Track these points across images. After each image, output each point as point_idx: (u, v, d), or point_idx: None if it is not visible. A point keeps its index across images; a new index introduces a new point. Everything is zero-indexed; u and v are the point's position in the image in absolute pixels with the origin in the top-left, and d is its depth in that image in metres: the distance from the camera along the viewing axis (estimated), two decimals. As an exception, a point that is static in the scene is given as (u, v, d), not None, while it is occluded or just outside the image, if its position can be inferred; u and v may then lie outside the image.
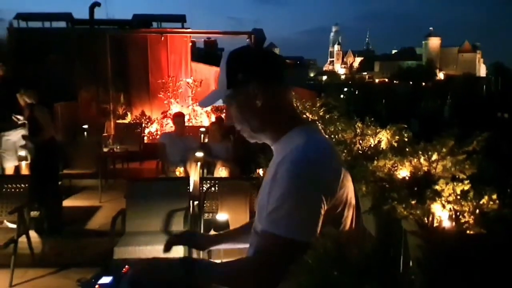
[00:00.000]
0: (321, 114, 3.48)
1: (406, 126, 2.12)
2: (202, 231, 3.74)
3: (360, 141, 2.19)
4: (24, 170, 5.35)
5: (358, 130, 2.29)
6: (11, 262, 3.59)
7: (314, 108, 3.61)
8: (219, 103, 1.28)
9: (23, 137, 5.14)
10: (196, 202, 4.33)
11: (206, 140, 7.17)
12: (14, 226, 3.88)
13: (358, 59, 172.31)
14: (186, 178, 4.64)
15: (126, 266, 1.35)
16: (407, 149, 1.57)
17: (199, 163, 5.21)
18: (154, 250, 3.54)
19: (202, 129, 7.93)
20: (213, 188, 4.20)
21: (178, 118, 6.18)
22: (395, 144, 1.97)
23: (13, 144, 5.35)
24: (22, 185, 4.10)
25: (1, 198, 4.01)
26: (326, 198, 1.08)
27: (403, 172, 1.52)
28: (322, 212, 1.07)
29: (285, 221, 1.05)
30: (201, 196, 4.12)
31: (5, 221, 4.34)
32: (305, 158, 1.10)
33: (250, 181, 4.16)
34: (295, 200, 1.05)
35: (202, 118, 10.08)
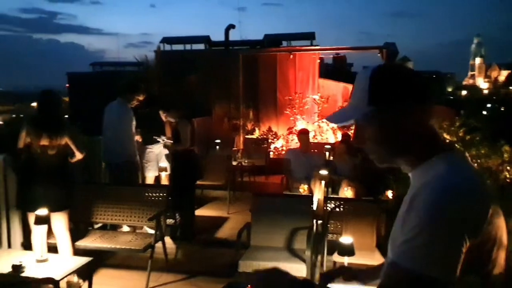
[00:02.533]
0: (460, 135, 3.16)
1: None
2: (326, 252, 3.66)
3: (508, 168, 1.91)
4: (164, 180, 5.83)
5: (505, 155, 2.00)
6: (148, 265, 3.92)
7: (452, 128, 3.29)
8: (351, 121, 1.18)
9: (165, 146, 5.61)
10: (320, 222, 4.27)
11: (332, 157, 7.06)
12: (153, 231, 4.23)
13: (505, 72, 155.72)
14: (310, 196, 4.61)
15: (249, 286, 1.35)
16: None
17: (323, 181, 5.15)
18: (277, 266, 3.56)
19: (328, 146, 7.85)
20: (337, 208, 4.10)
21: (303, 135, 6.21)
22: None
23: (155, 156, 5.88)
24: (161, 194, 4.46)
25: (142, 205, 4.40)
26: (468, 235, 0.95)
27: None
28: (463, 249, 0.94)
29: (417, 254, 0.95)
30: (325, 215, 4.05)
31: (145, 226, 4.78)
32: (447, 188, 0.98)
33: (379, 203, 3.98)
34: (432, 233, 0.95)
35: (328, 134, 10.00)
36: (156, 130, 5.83)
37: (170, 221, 4.94)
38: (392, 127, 1.11)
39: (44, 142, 3.67)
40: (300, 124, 9.76)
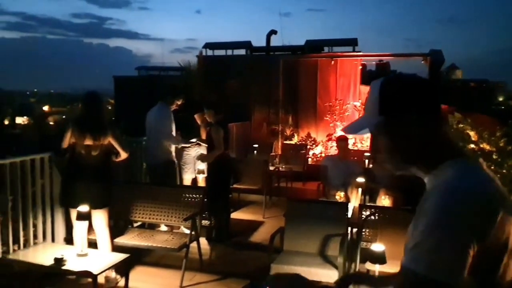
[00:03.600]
0: (501, 145, 3.05)
1: None
2: (358, 260, 3.63)
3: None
4: (201, 183, 5.94)
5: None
6: (182, 264, 4.01)
7: (492, 138, 3.18)
8: (366, 131, 1.24)
9: (199, 157, 5.73)
10: (355, 229, 4.22)
11: (371, 165, 6.96)
12: (188, 231, 4.32)
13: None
14: (345, 203, 4.57)
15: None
16: None
17: (360, 189, 5.09)
18: (309, 272, 3.56)
19: (367, 154, 7.74)
20: (373, 217, 4.05)
21: (342, 141, 6.15)
22: None
23: (192, 158, 6.01)
24: (198, 195, 4.55)
25: (180, 205, 4.50)
26: (476, 238, 0.97)
27: None
28: (471, 253, 0.96)
29: (426, 258, 0.97)
30: (360, 223, 4.01)
31: (182, 227, 4.88)
32: (453, 193, 1.02)
33: (415, 213, 3.90)
34: (440, 237, 0.97)
35: (368, 142, 9.85)
36: (193, 133, 5.97)
37: (205, 222, 5.03)
38: (401, 136, 1.15)
39: (88, 142, 3.84)
40: (340, 131, 9.67)
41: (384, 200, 5.17)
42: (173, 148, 5.46)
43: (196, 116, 5.95)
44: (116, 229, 4.33)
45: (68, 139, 3.88)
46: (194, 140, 5.92)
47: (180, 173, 6.01)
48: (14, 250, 3.83)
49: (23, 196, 3.99)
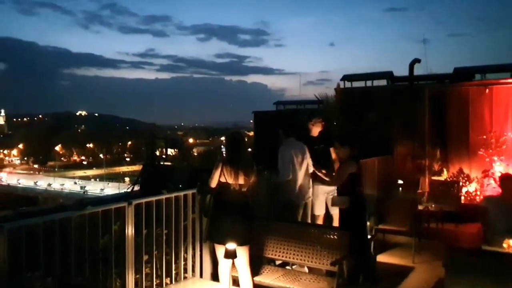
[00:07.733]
0: None
1: None
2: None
3: None
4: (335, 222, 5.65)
5: None
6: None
7: None
8: None
9: (333, 201, 5.39)
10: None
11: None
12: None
13: None
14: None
15: None
16: None
17: (534, 237, 4.33)
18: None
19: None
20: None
21: (507, 181, 5.39)
22: None
23: (325, 194, 5.75)
24: (342, 236, 4.28)
25: (323, 246, 4.28)
26: None
27: None
28: None
29: None
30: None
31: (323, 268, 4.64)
32: None
33: None
34: None
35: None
36: (330, 167, 5.77)
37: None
38: None
39: (241, 181, 3.91)
40: (497, 167, 8.57)
41: None
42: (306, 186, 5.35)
43: (331, 149, 5.79)
44: (256, 267, 4.28)
45: (217, 178, 3.97)
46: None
47: (312, 208, 5.78)
48: (166, 284, 3.99)
49: (175, 230, 4.16)
